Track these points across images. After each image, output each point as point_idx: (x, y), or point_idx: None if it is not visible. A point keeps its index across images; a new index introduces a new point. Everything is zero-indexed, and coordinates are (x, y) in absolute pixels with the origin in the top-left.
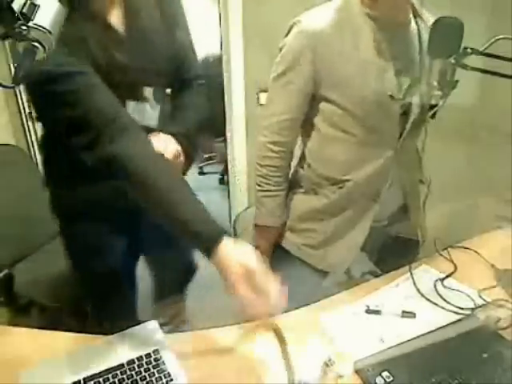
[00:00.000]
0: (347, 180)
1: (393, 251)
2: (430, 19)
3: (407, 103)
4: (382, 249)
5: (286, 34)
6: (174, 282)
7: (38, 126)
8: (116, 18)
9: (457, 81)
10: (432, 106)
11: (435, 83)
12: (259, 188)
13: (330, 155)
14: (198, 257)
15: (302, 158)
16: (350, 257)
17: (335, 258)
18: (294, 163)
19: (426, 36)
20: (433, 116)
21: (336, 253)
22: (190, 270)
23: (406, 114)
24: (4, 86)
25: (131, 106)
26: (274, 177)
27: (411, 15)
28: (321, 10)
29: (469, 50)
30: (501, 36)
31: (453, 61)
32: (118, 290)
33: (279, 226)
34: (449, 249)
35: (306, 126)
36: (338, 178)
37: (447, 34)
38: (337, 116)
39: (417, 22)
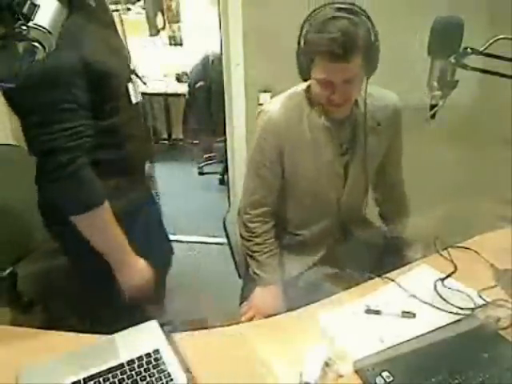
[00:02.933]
0: (300, 234)
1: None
2: (379, 95)
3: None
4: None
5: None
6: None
7: None
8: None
9: (457, 81)
10: (432, 106)
11: (435, 83)
12: (259, 254)
13: (286, 215)
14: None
15: None
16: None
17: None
18: None
19: (372, 113)
20: (433, 116)
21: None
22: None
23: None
24: (4, 86)
25: (130, 85)
26: (270, 238)
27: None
28: (284, 98)
29: (469, 50)
30: (501, 36)
31: (453, 61)
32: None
33: (278, 286)
34: (449, 249)
35: None
36: (293, 232)
37: (447, 34)
38: (292, 188)
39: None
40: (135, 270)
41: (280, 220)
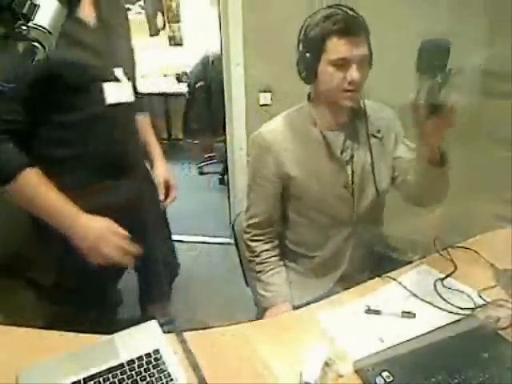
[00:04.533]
0: (316, 256)
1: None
2: (374, 106)
3: (358, 189)
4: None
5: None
6: (159, 281)
7: None
8: (86, 14)
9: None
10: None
11: (422, 102)
12: (261, 273)
13: (297, 237)
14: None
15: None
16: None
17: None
18: None
19: (371, 121)
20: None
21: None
22: (173, 269)
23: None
24: (4, 86)
25: (108, 85)
26: (272, 256)
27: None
28: (277, 122)
29: (453, 71)
30: (498, 51)
31: (439, 80)
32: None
33: (288, 303)
34: (449, 249)
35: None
36: (308, 255)
37: (434, 55)
38: (299, 206)
39: (364, 112)
40: (82, 230)
41: (295, 245)
